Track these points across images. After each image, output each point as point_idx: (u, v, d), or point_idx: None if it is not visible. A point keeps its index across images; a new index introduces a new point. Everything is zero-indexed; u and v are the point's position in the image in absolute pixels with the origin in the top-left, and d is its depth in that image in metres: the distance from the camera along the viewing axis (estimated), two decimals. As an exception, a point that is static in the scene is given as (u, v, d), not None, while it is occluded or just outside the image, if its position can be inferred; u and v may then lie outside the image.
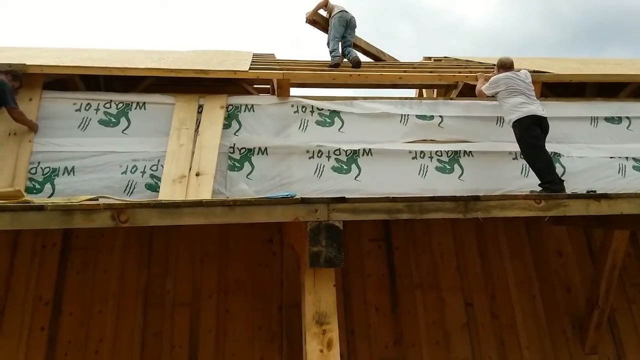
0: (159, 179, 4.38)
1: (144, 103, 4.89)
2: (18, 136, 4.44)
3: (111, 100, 4.85)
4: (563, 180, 4.42)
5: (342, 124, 5.08)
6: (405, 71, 6.11)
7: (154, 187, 4.41)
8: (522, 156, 4.65)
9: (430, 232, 4.85)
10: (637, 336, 4.58)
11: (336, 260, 2.60)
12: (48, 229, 3.19)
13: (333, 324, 2.63)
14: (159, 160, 4.53)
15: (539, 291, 4.69)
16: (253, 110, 5.02)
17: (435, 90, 7.30)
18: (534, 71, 5.42)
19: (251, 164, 4.70)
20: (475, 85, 5.24)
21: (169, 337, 4.17)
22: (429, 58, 8.15)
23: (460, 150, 5.01)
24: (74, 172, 4.42)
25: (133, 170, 4.49)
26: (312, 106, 5.10)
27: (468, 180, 4.88)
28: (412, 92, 7.83)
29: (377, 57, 7.68)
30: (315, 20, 7.12)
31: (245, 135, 4.85)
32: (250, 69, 5.43)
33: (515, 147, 4.65)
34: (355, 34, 6.98)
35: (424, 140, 5.10)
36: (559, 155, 5.05)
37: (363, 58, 7.61)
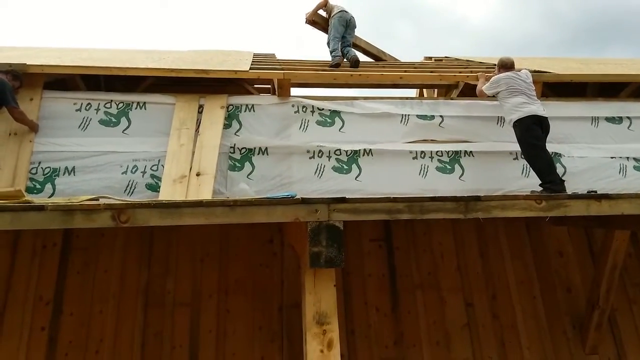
0: (160, 179, 4.38)
1: (145, 103, 4.89)
2: (19, 136, 4.44)
3: (111, 100, 4.85)
4: (564, 181, 4.41)
5: (343, 124, 5.08)
6: (405, 71, 6.10)
7: (154, 187, 4.40)
8: (522, 156, 4.64)
9: (430, 232, 4.85)
10: (637, 336, 4.58)
11: (336, 260, 2.60)
12: (48, 229, 3.19)
13: (333, 324, 2.63)
14: (159, 160, 4.52)
15: (539, 291, 4.68)
16: (253, 110, 5.02)
17: (435, 90, 7.30)
18: (535, 71, 5.41)
19: (252, 164, 4.70)
20: (476, 85, 5.24)
21: (169, 337, 4.17)
22: (430, 58, 8.15)
23: (460, 150, 5.01)
24: (74, 172, 4.42)
25: (133, 170, 4.49)
26: (312, 106, 5.10)
27: (469, 180, 4.87)
28: (413, 92, 7.82)
29: (378, 57, 7.67)
30: (315, 21, 7.12)
31: (245, 135, 4.85)
32: (250, 68, 5.42)
33: (516, 147, 4.65)
34: (356, 34, 6.98)
35: (425, 140, 5.09)
36: (560, 155, 5.04)
37: (363, 58, 7.62)
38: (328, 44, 6.60)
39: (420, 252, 4.77)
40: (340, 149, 4.86)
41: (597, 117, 5.39)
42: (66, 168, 4.42)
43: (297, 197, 2.86)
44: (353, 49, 6.64)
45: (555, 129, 4.75)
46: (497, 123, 5.21)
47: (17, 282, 4.16)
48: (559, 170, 4.79)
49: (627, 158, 5.12)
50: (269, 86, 6.35)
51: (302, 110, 5.09)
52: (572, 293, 4.71)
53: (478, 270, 4.73)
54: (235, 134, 4.84)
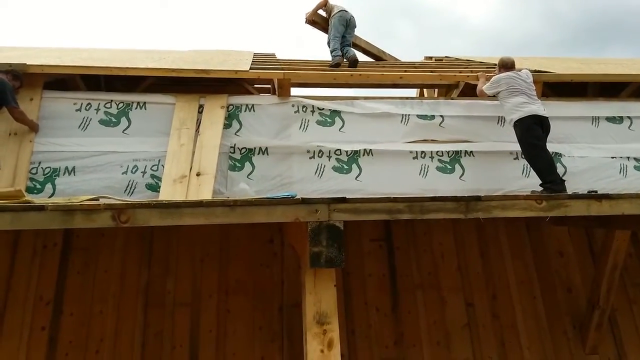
0: (160, 179, 4.38)
1: (145, 103, 4.88)
2: (19, 136, 4.44)
3: (112, 100, 4.85)
4: (564, 180, 4.41)
5: (343, 123, 5.08)
6: (406, 71, 6.10)
7: (154, 187, 4.40)
8: (523, 156, 4.64)
9: (431, 232, 4.85)
10: (637, 336, 4.57)
11: (337, 260, 2.60)
12: (49, 229, 3.19)
13: (334, 324, 2.63)
14: (159, 160, 4.52)
15: (539, 291, 4.68)
16: (254, 110, 5.02)
17: (436, 90, 7.29)
18: (535, 71, 5.41)
19: (252, 164, 4.69)
20: (476, 85, 5.23)
21: (169, 337, 4.17)
22: (430, 58, 8.15)
23: (461, 150, 5.00)
24: (74, 172, 4.42)
25: (134, 170, 4.49)
26: (312, 106, 5.10)
27: (469, 180, 4.87)
28: (413, 92, 7.82)
29: (378, 56, 7.68)
30: (315, 21, 7.13)
31: (245, 135, 4.85)
32: (251, 68, 5.42)
33: (517, 147, 4.65)
34: (356, 34, 6.99)
35: (425, 140, 5.09)
36: (560, 155, 5.04)
37: (364, 58, 7.64)
38: (328, 43, 6.60)
39: (421, 252, 4.76)
40: (340, 149, 4.86)
41: (598, 117, 5.39)
42: (66, 168, 4.42)
43: (297, 197, 2.86)
44: (352, 49, 6.65)
45: (556, 128, 4.75)
46: (498, 123, 5.21)
47: (17, 282, 4.16)
48: (560, 170, 4.79)
49: (628, 158, 5.12)
50: (269, 86, 6.35)
51: (302, 110, 5.08)
52: (572, 293, 4.70)
53: (478, 270, 4.73)
54: (235, 133, 4.84)
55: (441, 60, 7.87)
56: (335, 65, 6.19)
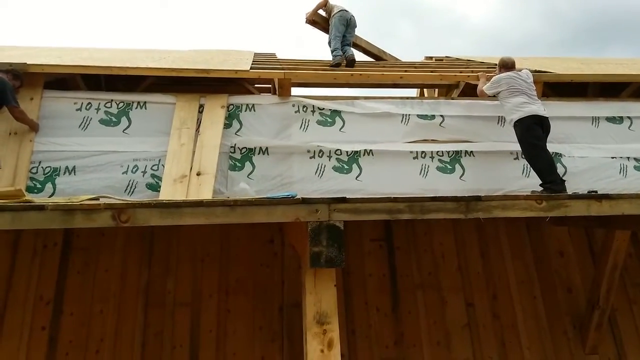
0: (160, 178, 4.38)
1: (145, 102, 4.88)
2: (19, 135, 4.44)
3: (112, 100, 4.85)
4: (564, 181, 4.41)
5: (343, 123, 5.08)
6: (406, 71, 6.10)
7: (154, 187, 4.40)
8: (523, 156, 4.64)
9: (431, 232, 4.84)
10: (637, 336, 4.57)
11: (337, 260, 2.60)
12: (49, 229, 3.20)
13: (334, 324, 2.63)
14: (159, 160, 4.52)
15: (540, 291, 4.68)
16: (254, 110, 5.02)
17: (436, 90, 7.29)
18: (536, 71, 5.41)
19: (252, 164, 4.69)
20: (476, 85, 5.23)
21: (169, 337, 4.17)
22: (431, 57, 8.15)
23: (461, 150, 5.00)
24: (74, 172, 4.42)
25: (134, 169, 4.49)
26: (313, 106, 5.10)
27: (469, 180, 4.87)
28: (414, 92, 7.82)
29: (378, 56, 7.68)
30: (315, 21, 7.13)
31: (246, 135, 4.85)
32: (251, 68, 5.42)
33: (517, 147, 4.65)
34: (356, 34, 6.99)
35: (425, 140, 5.09)
36: (560, 155, 5.04)
37: (364, 58, 7.64)
38: (329, 43, 6.61)
39: (421, 252, 4.76)
40: (340, 149, 4.86)
41: (598, 117, 5.39)
42: (66, 167, 4.42)
43: (297, 197, 2.86)
44: (351, 48, 6.66)
45: (556, 128, 4.75)
46: (498, 123, 5.21)
47: (17, 282, 4.16)
48: (560, 170, 4.79)
49: (628, 158, 5.12)
50: (270, 86, 6.36)
51: (303, 110, 5.08)
52: (572, 293, 4.70)
53: (478, 270, 4.73)
54: (235, 133, 4.84)
55: (441, 60, 7.87)
56: (336, 65, 6.20)
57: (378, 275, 4.61)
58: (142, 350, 4.09)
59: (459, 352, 4.38)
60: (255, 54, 7.18)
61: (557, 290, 4.70)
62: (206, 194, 4.12)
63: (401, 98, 5.58)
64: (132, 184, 4.43)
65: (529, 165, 4.60)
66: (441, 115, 5.19)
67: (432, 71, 6.11)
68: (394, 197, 2.85)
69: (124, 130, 4.73)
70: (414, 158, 4.93)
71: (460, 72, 5.92)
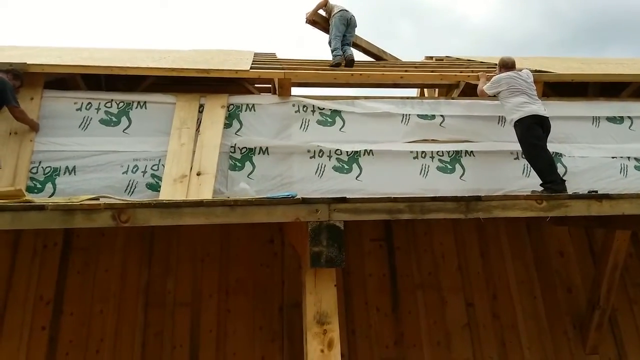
0: (160, 178, 4.38)
1: (145, 102, 4.88)
2: (19, 135, 4.44)
3: (112, 100, 4.85)
4: (564, 180, 4.41)
5: (343, 123, 5.08)
6: (406, 71, 6.09)
7: (155, 187, 4.40)
8: (523, 156, 4.64)
9: (431, 232, 4.84)
10: (638, 336, 4.57)
11: (337, 260, 2.60)
12: (49, 229, 3.20)
13: (334, 323, 2.63)
14: (160, 160, 4.52)
15: (540, 291, 4.68)
16: (254, 110, 5.02)
17: (436, 90, 7.29)
18: (536, 71, 5.41)
19: (252, 164, 4.69)
20: (477, 85, 5.23)
21: (169, 337, 4.17)
22: (431, 57, 8.15)
23: (461, 150, 5.00)
24: (75, 172, 4.42)
25: (134, 169, 4.49)
26: (313, 106, 5.10)
27: (469, 180, 4.87)
28: (414, 92, 7.82)
29: (379, 56, 7.67)
30: (315, 21, 7.13)
31: (246, 135, 4.85)
32: (251, 68, 5.42)
33: (517, 147, 4.65)
34: (356, 34, 6.99)
35: (425, 140, 5.09)
36: (561, 155, 5.03)
37: (364, 57, 7.63)
38: (329, 43, 6.61)
39: (421, 252, 4.76)
40: (340, 149, 4.86)
41: (598, 117, 5.39)
42: (67, 167, 4.42)
43: (297, 197, 2.86)
44: (351, 48, 6.66)
45: (556, 128, 4.75)
46: (498, 123, 5.21)
47: (17, 282, 4.16)
48: (560, 170, 4.79)
49: (628, 158, 5.12)
50: (270, 86, 6.36)
51: (303, 110, 5.08)
52: (572, 293, 4.70)
53: (479, 270, 4.73)
54: (235, 133, 4.84)
55: (442, 60, 7.87)
56: (336, 65, 6.20)
57: (378, 275, 4.61)
58: (142, 350, 4.09)
59: (459, 352, 4.37)
60: (256, 54, 7.18)
61: (557, 290, 4.70)
62: (206, 194, 4.11)
63: (401, 98, 5.58)
64: (132, 184, 4.43)
65: (529, 165, 4.60)
66: (441, 115, 5.18)
67: (432, 71, 6.11)
68: (394, 197, 2.85)
69: (124, 130, 4.73)
70: (414, 158, 4.93)
71: (461, 72, 5.92)
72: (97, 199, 3.24)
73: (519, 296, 4.63)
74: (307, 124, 5.02)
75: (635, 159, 5.11)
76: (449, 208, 2.84)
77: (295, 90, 5.40)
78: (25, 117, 4.40)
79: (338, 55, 6.29)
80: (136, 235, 4.45)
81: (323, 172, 4.75)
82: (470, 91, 5.90)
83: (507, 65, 4.92)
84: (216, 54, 6.88)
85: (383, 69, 6.30)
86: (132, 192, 4.39)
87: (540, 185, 4.32)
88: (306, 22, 7.21)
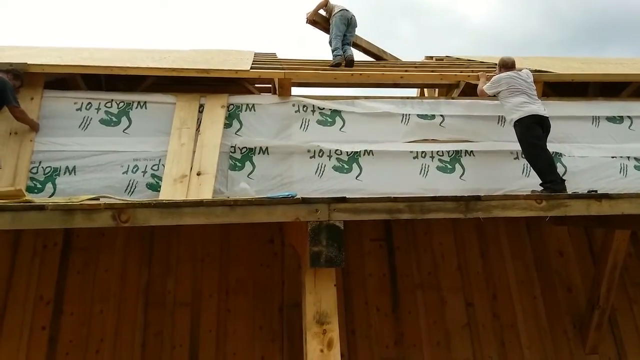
0: (160, 178, 4.38)
1: (145, 102, 4.89)
2: (19, 135, 4.45)
3: (112, 100, 4.85)
4: (564, 180, 4.41)
5: (344, 123, 5.08)
6: (406, 70, 6.10)
7: (155, 187, 4.41)
8: (523, 156, 4.64)
9: (431, 232, 4.84)
10: (638, 336, 4.57)
11: (337, 260, 2.60)
12: (49, 229, 3.20)
13: (334, 323, 2.63)
14: (160, 160, 4.53)
15: (540, 291, 4.68)
16: (254, 110, 5.02)
17: (436, 90, 7.29)
18: (536, 71, 5.41)
19: (252, 164, 4.70)
20: (477, 85, 5.23)
21: (169, 337, 4.17)
22: (431, 57, 8.14)
23: (461, 150, 5.01)
24: (75, 172, 4.42)
25: (134, 169, 4.49)
26: (313, 105, 5.10)
27: (469, 180, 4.87)
28: (414, 92, 7.82)
29: (379, 56, 7.67)
30: (316, 21, 7.13)
31: (246, 135, 4.85)
32: (251, 68, 5.43)
33: (517, 147, 4.65)
34: (356, 34, 6.99)
35: (425, 140, 5.09)
36: (561, 154, 5.04)
37: (364, 57, 7.63)
38: (330, 42, 6.61)
39: (421, 252, 4.76)
40: (340, 149, 4.86)
41: (598, 116, 5.39)
42: (67, 167, 4.42)
43: (297, 196, 2.86)
44: (351, 48, 6.66)
45: (556, 128, 4.75)
46: (498, 122, 5.21)
47: (17, 282, 4.16)
48: (560, 169, 4.79)
49: (628, 158, 5.12)
50: (270, 86, 6.36)
51: (303, 110, 5.09)
52: (572, 293, 4.70)
53: (478, 270, 4.73)
54: (235, 133, 4.85)
55: (442, 60, 7.87)
56: (336, 65, 6.20)
57: (378, 275, 4.61)
58: (142, 350, 4.09)
59: (459, 352, 4.38)
60: (256, 54, 7.18)
61: (557, 290, 4.70)
62: (206, 194, 4.12)
63: (401, 98, 5.58)
64: (133, 183, 4.43)
65: (529, 165, 4.60)
66: (441, 115, 5.19)
67: (432, 71, 6.11)
68: (393, 197, 2.85)
69: (124, 130, 4.73)
70: (414, 158, 4.93)
71: (461, 72, 5.92)
72: (97, 199, 3.24)
73: (519, 296, 4.63)
74: (307, 124, 5.02)
75: (635, 158, 5.12)
76: (449, 208, 2.85)
77: (295, 90, 5.40)
78: (26, 117, 4.40)
79: (338, 55, 6.30)
80: (136, 235, 4.45)
81: (323, 172, 4.76)
82: (470, 91, 5.90)
83: (507, 65, 4.93)
84: (216, 54, 6.88)
85: (383, 69, 6.30)
86: (132, 192, 4.39)
87: (540, 185, 4.32)
88: (307, 22, 7.21)
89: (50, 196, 4.24)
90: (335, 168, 4.79)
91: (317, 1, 6.93)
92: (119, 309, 4.20)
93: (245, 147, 4.76)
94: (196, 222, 2.63)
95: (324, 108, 5.10)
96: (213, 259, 4.49)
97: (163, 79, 5.33)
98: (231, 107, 4.98)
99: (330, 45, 6.57)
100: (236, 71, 5.22)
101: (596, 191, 3.78)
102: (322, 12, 7.05)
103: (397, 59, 7.81)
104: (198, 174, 4.32)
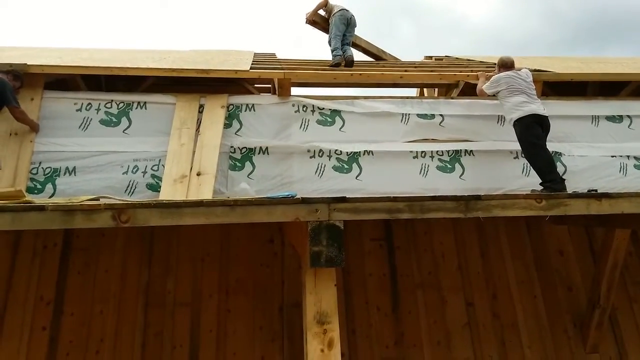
0: (160, 178, 4.38)
1: (145, 103, 4.89)
2: (19, 136, 4.45)
3: (112, 100, 4.85)
4: (564, 179, 4.41)
5: (343, 123, 5.08)
6: (406, 70, 6.10)
7: (155, 187, 4.41)
8: (523, 155, 4.64)
9: (431, 232, 4.84)
10: (638, 335, 4.57)
11: (337, 259, 2.60)
12: (49, 229, 3.20)
13: (334, 323, 2.63)
14: (160, 160, 4.53)
15: (540, 290, 4.68)
16: (254, 110, 5.02)
17: (436, 90, 7.29)
18: (535, 70, 5.41)
19: (252, 164, 4.70)
20: (476, 85, 5.23)
21: (169, 337, 4.17)
22: (430, 57, 8.14)
23: (461, 150, 5.01)
24: (75, 172, 4.42)
25: (134, 170, 4.49)
26: (313, 105, 5.10)
27: (469, 179, 4.88)
28: (413, 92, 7.82)
29: (378, 56, 7.67)
30: (315, 21, 7.13)
31: (246, 135, 4.85)
32: (251, 68, 5.43)
33: (517, 146, 4.65)
34: (356, 34, 6.99)
35: (425, 140, 5.10)
36: (560, 154, 5.04)
37: (364, 57, 7.63)
38: (329, 42, 6.61)
39: (421, 251, 4.76)
40: (340, 149, 4.86)
41: (598, 115, 5.39)
42: (67, 168, 4.43)
43: (297, 196, 2.86)
44: (351, 48, 6.67)
45: (556, 127, 4.75)
46: (498, 122, 5.21)
47: (17, 283, 4.16)
48: (560, 169, 4.79)
49: (628, 157, 5.13)
50: (270, 86, 6.36)
51: (303, 110, 5.09)
52: (572, 292, 4.70)
53: (479, 270, 4.73)
54: (235, 133, 4.85)
55: (441, 59, 7.87)
56: (336, 65, 6.21)
57: (378, 274, 4.61)
58: (142, 351, 4.09)
59: (459, 351, 4.38)
60: (255, 54, 7.18)
61: (557, 289, 4.70)
62: (206, 194, 4.12)
63: (401, 97, 5.58)
64: (133, 184, 4.43)
65: (528, 164, 4.60)
66: (441, 115, 5.19)
67: (431, 71, 6.11)
68: (393, 197, 2.85)
69: (124, 130, 4.74)
70: (413, 157, 4.93)
71: (460, 72, 5.92)
72: (97, 199, 3.24)
73: (519, 295, 4.64)
74: (306, 124, 5.02)
75: (635, 157, 5.12)
76: (449, 207, 2.85)
77: (295, 90, 5.40)
78: (26, 117, 4.40)
79: (338, 55, 6.30)
80: (136, 236, 4.45)
81: (323, 171, 4.76)
82: (469, 91, 5.90)
83: (506, 64, 4.93)
84: (216, 54, 6.88)
85: (383, 69, 6.30)
86: (132, 192, 4.40)
87: (540, 184, 4.32)
88: (306, 22, 7.21)
89: (50, 197, 4.24)
90: (335, 168, 4.79)
91: (316, 1, 6.94)
92: (119, 309, 4.20)
93: (245, 147, 4.76)
94: (196, 222, 2.63)
95: (323, 108, 5.10)
96: (213, 259, 4.49)
97: (163, 79, 5.33)
98: (231, 107, 4.98)
99: (330, 45, 6.57)
100: (236, 71, 5.23)
101: (596, 190, 3.77)
102: (321, 12, 7.05)
103: (397, 58, 7.81)
104: (198, 174, 4.32)
